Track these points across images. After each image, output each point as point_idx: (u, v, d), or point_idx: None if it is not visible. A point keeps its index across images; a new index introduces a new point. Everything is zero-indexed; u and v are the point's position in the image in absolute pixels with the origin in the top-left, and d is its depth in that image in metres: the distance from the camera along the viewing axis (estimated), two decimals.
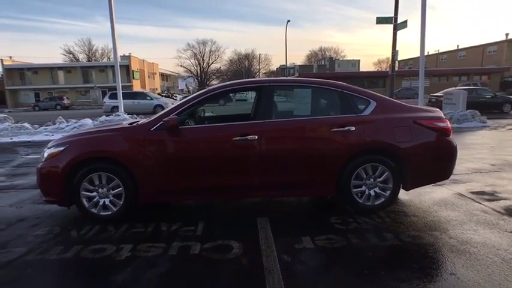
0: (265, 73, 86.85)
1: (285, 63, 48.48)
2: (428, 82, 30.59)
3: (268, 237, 2.91)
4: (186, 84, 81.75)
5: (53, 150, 3.33)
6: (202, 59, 77.34)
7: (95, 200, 3.30)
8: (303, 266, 2.43)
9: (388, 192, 3.37)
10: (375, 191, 3.37)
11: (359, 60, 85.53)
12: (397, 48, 14.23)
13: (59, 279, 2.40)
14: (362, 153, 3.30)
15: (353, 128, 3.26)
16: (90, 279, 2.35)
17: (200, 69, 77.80)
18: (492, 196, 3.86)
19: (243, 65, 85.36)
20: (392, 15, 14.26)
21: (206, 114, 4.16)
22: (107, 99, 21.22)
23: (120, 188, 3.26)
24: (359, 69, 78.76)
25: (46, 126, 10.90)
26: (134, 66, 42.90)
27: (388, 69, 34.20)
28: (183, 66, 76.35)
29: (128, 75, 41.06)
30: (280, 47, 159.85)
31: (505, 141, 8.07)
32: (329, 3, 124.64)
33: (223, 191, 3.36)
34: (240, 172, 3.28)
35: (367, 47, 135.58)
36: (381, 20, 13.95)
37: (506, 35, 47.27)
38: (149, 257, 2.62)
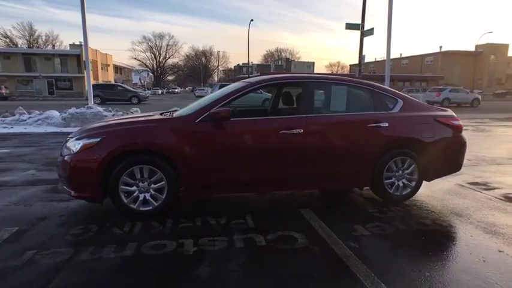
0: (223, 70, 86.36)
1: (242, 62, 48.83)
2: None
3: (322, 226, 3.03)
4: (139, 78, 78.10)
5: (86, 141, 3.09)
6: (159, 53, 74.54)
7: (134, 194, 3.13)
8: (372, 251, 2.59)
9: (414, 183, 3.68)
10: (403, 182, 3.66)
11: (314, 63, 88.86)
12: (363, 53, 15.14)
13: (140, 277, 2.25)
14: (394, 147, 3.56)
15: (386, 124, 3.51)
16: (173, 275, 2.26)
17: (156, 64, 74.83)
18: (486, 186, 4.39)
19: (200, 61, 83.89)
20: (348, 20, 15.16)
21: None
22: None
23: (163, 182, 3.13)
24: (314, 71, 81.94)
25: (3, 117, 9.76)
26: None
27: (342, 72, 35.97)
28: (138, 59, 72.95)
29: (79, 66, 38.04)
30: (237, 45, 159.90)
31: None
32: (282, 5, 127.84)
33: (267, 183, 3.40)
34: (284, 165, 3.35)
35: (318, 50, 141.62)
36: (349, 26, 14.73)
37: (440, 47, 52.72)
38: (218, 250, 2.58)
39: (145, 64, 75.36)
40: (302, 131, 3.30)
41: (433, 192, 4.10)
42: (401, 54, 60.87)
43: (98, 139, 3.07)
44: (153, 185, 3.15)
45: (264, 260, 2.45)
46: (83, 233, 2.87)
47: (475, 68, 49.75)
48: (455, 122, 3.80)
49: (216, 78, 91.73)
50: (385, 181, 3.60)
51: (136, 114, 4.45)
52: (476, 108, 22.20)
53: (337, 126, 3.48)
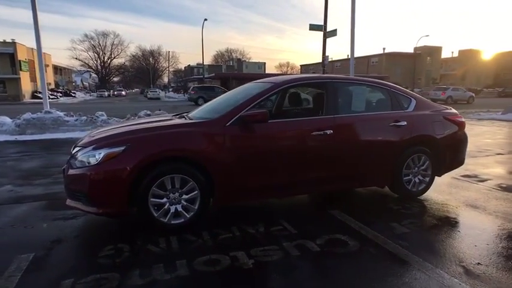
0: (173, 71, 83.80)
1: (193, 62, 47.90)
2: None
3: (362, 227, 3.04)
4: (81, 80, 72.73)
5: (108, 150, 2.75)
6: (103, 53, 69.83)
7: (165, 207, 2.86)
8: (424, 247, 2.67)
9: (428, 178, 3.88)
10: (418, 178, 3.83)
11: (265, 63, 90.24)
12: (327, 54, 15.69)
13: None
14: (412, 145, 3.71)
15: (405, 123, 3.64)
16: None
17: (101, 64, 70.02)
18: (478, 178, 4.78)
19: (148, 61, 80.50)
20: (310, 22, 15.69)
21: None
22: None
23: (195, 192, 2.91)
24: (265, 71, 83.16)
25: None
26: (21, 56, 35.79)
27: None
28: (79, 59, 67.52)
29: (13, 66, 34.14)
30: (187, 45, 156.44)
31: None
32: (228, 5, 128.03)
33: (298, 186, 3.34)
34: (315, 166, 3.32)
35: (267, 51, 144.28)
36: (313, 27, 15.19)
37: (384, 49, 56.89)
38: (277, 260, 2.46)
39: (87, 64, 70.12)
40: (332, 131, 3.29)
41: (437, 187, 4.33)
42: (348, 55, 64.46)
43: (123, 148, 2.75)
44: (184, 196, 2.91)
45: (328, 266, 2.40)
46: (117, 254, 2.55)
47: (415, 69, 54.41)
48: (460, 119, 4.07)
49: (165, 80, 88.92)
50: (404, 178, 3.74)
51: (146, 118, 4.08)
52: (471, 104, 25.47)
53: (362, 126, 3.53)
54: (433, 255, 2.54)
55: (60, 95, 39.82)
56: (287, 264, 2.41)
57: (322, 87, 3.52)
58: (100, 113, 9.89)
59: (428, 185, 3.91)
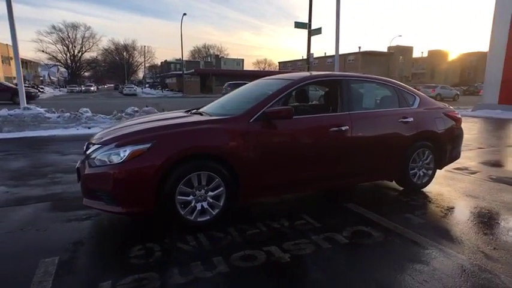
0: (149, 67, 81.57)
1: (169, 58, 46.92)
2: None
3: (380, 219, 3.17)
4: (48, 74, 69.12)
5: (134, 147, 2.68)
6: (73, 46, 66.51)
7: (192, 204, 2.83)
8: (440, 234, 2.82)
9: (430, 171, 4.08)
10: (422, 171, 4.02)
11: (243, 60, 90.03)
12: (312, 52, 15.92)
13: None
14: (418, 140, 3.88)
15: (412, 119, 3.81)
16: (294, 282, 2.14)
17: (71, 58, 66.69)
18: (468, 170, 5.09)
19: (122, 56, 77.77)
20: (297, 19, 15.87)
21: None
22: None
23: (221, 189, 2.90)
24: (243, 68, 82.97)
25: None
26: None
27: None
28: (47, 52, 63.81)
29: None
30: (162, 40, 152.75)
31: None
32: (204, 0, 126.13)
33: (317, 181, 3.41)
34: (333, 162, 3.40)
35: (244, 48, 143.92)
36: (298, 25, 15.34)
37: (359, 48, 58.41)
38: (312, 253, 2.51)
39: (56, 58, 66.35)
40: (348, 127, 3.38)
41: (435, 179, 4.54)
42: (325, 53, 65.63)
43: (148, 145, 2.70)
44: (210, 193, 2.89)
45: (360, 256, 2.48)
46: (148, 253, 2.50)
47: (389, 67, 56.34)
48: (458, 116, 4.31)
49: (141, 75, 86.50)
50: (410, 172, 3.91)
51: (156, 115, 3.99)
52: (457, 101, 27.36)
53: (375, 122, 3.65)
54: (453, 242, 2.70)
55: (42, 89, 37.57)
56: (322, 256, 2.47)
57: (338, 84, 3.60)
58: (84, 109, 9.50)
59: (431, 178, 4.11)
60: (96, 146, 2.90)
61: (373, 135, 3.62)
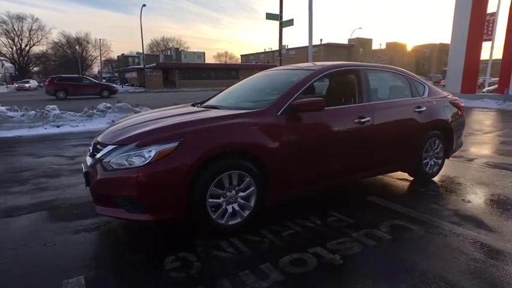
0: (105, 61, 77.01)
1: (126, 51, 44.57)
2: None
3: (408, 210, 3.13)
4: None
5: (160, 147, 2.37)
6: (20, 39, 61.03)
7: (222, 207, 2.58)
8: (474, 223, 2.84)
9: (440, 160, 4.14)
10: (433, 160, 4.06)
11: (204, 53, 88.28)
12: (283, 44, 15.82)
13: None
14: (430, 129, 3.90)
15: (424, 108, 3.81)
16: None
17: (17, 52, 61.23)
18: (466, 158, 5.26)
19: (75, 49, 72.57)
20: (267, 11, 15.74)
21: None
22: None
23: (252, 188, 2.68)
24: (204, 61, 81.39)
25: None
26: None
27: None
28: None
29: None
30: (117, 33, 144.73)
31: None
32: None
33: (343, 174, 3.30)
34: (358, 154, 3.30)
35: (204, 41, 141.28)
36: (269, 16, 15.19)
37: (321, 40, 59.53)
38: (360, 252, 2.39)
39: (0, 52, 60.62)
40: (370, 118, 3.29)
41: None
42: (287, 45, 66.02)
43: (176, 143, 2.40)
44: (241, 193, 2.66)
45: (414, 251, 2.40)
46: (186, 265, 2.23)
47: (350, 59, 58.00)
48: (462, 104, 4.40)
49: (96, 70, 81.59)
50: (423, 161, 3.93)
51: (164, 110, 3.62)
52: None
53: (394, 112, 3.60)
54: (493, 232, 2.70)
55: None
56: (374, 254, 2.36)
57: (357, 74, 3.48)
58: (51, 106, 8.65)
59: (441, 167, 4.17)
60: (111, 147, 2.53)
61: (392, 125, 3.56)
